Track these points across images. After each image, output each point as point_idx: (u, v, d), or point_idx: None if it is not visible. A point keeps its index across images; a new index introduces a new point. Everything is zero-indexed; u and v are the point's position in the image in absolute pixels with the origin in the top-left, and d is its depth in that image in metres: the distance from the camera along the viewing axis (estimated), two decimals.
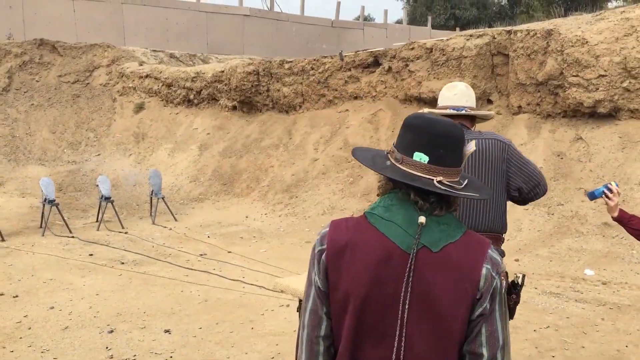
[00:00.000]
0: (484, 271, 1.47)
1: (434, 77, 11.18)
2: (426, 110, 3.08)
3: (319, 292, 1.58)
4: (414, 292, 1.48)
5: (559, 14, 13.68)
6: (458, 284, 1.46)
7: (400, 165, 1.53)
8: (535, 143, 9.49)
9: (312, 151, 11.94)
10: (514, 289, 2.82)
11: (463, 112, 2.93)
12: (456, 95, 2.99)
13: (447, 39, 11.22)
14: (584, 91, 9.16)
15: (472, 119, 3.04)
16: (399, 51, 11.84)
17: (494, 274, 1.48)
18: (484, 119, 3.10)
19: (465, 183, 1.56)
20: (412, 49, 11.61)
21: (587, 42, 9.08)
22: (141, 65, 16.54)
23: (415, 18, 26.53)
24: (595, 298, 5.84)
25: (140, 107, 15.64)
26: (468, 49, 10.65)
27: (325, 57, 13.04)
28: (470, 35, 10.91)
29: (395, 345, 1.48)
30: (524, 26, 10.75)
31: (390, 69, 12.06)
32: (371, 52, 12.43)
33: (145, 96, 15.91)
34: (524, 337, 4.87)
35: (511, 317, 2.91)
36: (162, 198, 10.48)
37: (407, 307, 1.47)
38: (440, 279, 1.46)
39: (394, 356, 1.48)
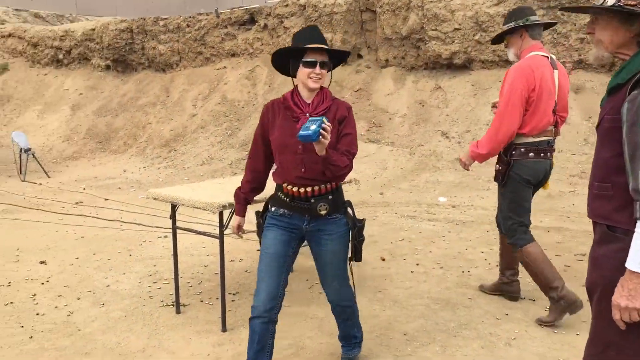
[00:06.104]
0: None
1: None
2: None
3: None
4: None
5: None
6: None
7: None
8: (400, 93, 10.22)
9: (190, 107, 11.96)
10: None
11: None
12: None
13: None
14: (442, 44, 9.99)
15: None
16: (274, 8, 12.10)
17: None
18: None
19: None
20: (287, 5, 11.93)
21: None
22: (2, 24, 15.49)
23: None
24: (445, 217, 6.57)
25: (3, 69, 14.69)
26: (339, 5, 11.14)
27: (201, 14, 13.01)
28: None
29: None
30: None
31: (266, 26, 12.31)
32: (247, 9, 12.59)
33: (8, 57, 14.97)
34: (382, 247, 5.45)
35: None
36: (33, 154, 10.09)
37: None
38: None
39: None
